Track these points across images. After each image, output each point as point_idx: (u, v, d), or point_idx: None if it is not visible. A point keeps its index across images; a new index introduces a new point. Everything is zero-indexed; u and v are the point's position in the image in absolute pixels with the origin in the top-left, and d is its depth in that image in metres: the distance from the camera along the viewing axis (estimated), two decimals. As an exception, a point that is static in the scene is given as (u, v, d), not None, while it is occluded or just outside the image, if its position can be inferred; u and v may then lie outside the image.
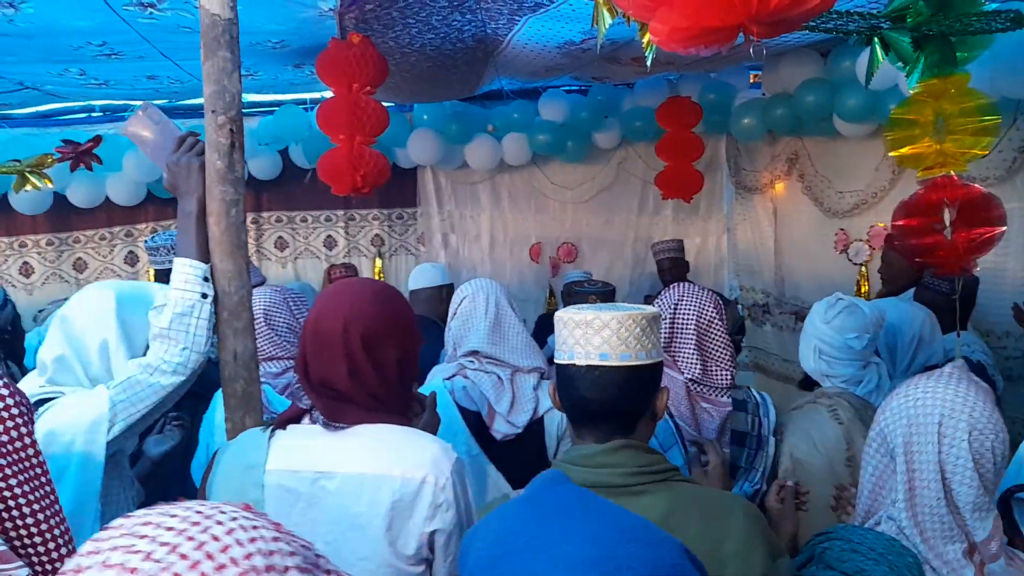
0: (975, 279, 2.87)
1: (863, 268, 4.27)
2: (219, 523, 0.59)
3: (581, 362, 1.21)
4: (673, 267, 4.28)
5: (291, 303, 2.34)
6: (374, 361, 1.34)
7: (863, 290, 4.21)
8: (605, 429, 1.22)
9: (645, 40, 1.33)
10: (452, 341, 2.25)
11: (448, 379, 2.16)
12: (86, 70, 3.37)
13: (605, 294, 3.23)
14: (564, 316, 1.26)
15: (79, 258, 4.86)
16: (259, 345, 2.12)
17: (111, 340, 1.67)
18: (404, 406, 1.44)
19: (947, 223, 2.33)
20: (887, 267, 3.45)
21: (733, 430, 1.93)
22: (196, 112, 4.34)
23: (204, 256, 1.67)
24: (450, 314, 2.26)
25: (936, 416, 1.26)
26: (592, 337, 1.20)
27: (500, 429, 2.10)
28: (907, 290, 3.26)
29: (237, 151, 1.68)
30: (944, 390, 1.29)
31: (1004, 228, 2.26)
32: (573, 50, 3.48)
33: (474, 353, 2.19)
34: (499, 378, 2.15)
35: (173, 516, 0.59)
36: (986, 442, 1.24)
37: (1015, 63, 2.57)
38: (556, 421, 2.17)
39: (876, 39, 1.66)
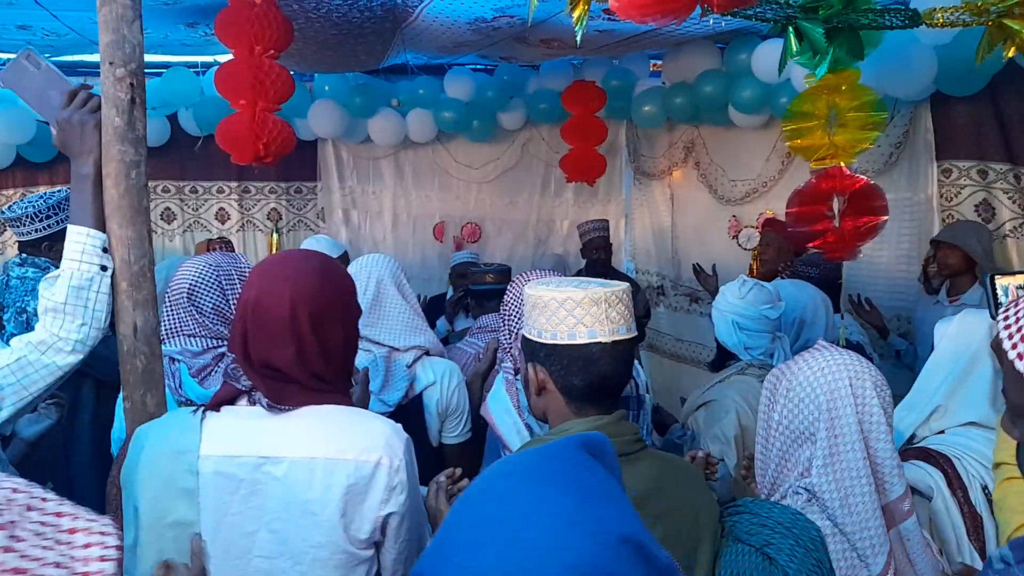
0: (839, 265, 3.10)
1: (754, 253, 4.50)
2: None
3: (606, 339, 1.21)
4: (605, 246, 4.36)
5: (223, 281, 2.08)
6: (322, 341, 1.27)
7: (753, 274, 4.44)
8: (612, 403, 1.27)
9: (576, 14, 1.33)
10: None
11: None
12: (-56, 14, 3.03)
13: (502, 273, 3.24)
14: (570, 295, 1.23)
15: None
16: (180, 318, 1.96)
17: None
18: (346, 384, 1.38)
19: (836, 211, 2.50)
20: (765, 247, 3.68)
21: None
22: (75, 70, 4.01)
23: (101, 224, 1.54)
24: None
25: (845, 379, 1.32)
26: (612, 313, 1.22)
27: (372, 408, 2.06)
28: (779, 271, 3.51)
29: (138, 108, 1.56)
30: (839, 357, 1.36)
31: (887, 217, 2.45)
32: (483, 27, 3.45)
33: None
34: (375, 356, 2.12)
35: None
36: (886, 396, 1.34)
37: (896, 62, 2.78)
38: (435, 399, 2.17)
39: (791, 29, 1.74)
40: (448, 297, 4.33)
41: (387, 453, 1.24)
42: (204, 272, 1.97)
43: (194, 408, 1.32)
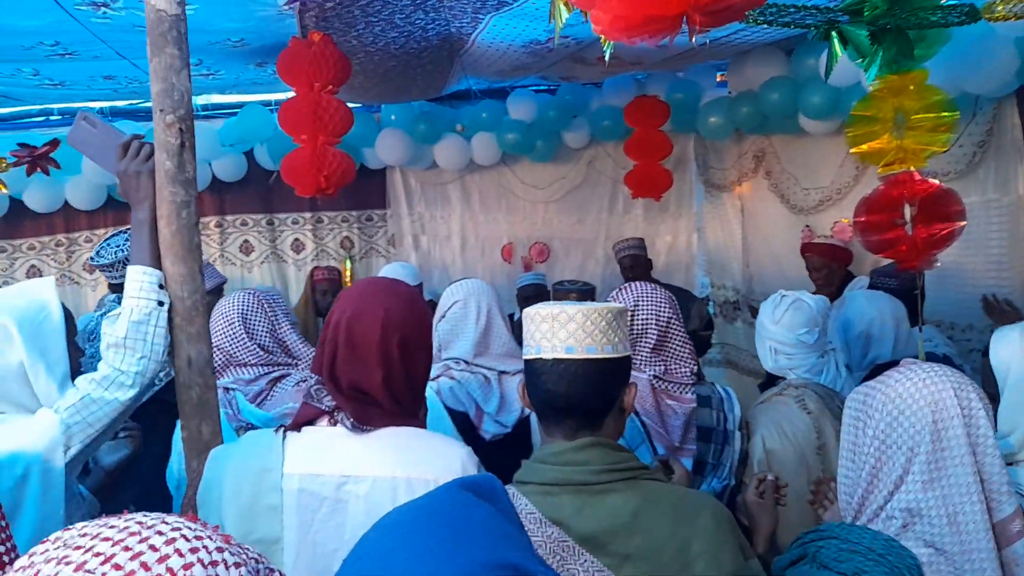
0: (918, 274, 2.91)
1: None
2: (159, 533, 0.57)
3: (548, 356, 1.21)
4: (634, 264, 4.27)
5: (266, 305, 2.23)
6: (407, 367, 1.32)
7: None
8: (572, 425, 1.22)
9: (558, 28, 1.32)
10: (437, 343, 2.21)
11: (433, 379, 2.13)
12: (40, 70, 3.28)
13: (585, 292, 3.21)
14: (531, 312, 1.26)
15: (33, 265, 4.74)
16: (232, 350, 2.05)
17: (25, 363, 1.52)
18: (420, 407, 1.42)
19: (907, 219, 2.35)
20: (813, 272, 3.53)
21: (699, 426, 1.92)
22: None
23: (158, 263, 1.63)
24: (439, 315, 2.22)
25: (950, 389, 1.25)
26: (558, 331, 1.20)
27: (489, 429, 2.09)
28: (843, 286, 3.33)
29: (187, 151, 1.64)
30: (938, 368, 1.29)
31: (963, 223, 2.29)
32: (539, 49, 3.47)
33: (458, 359, 2.17)
34: (486, 379, 2.14)
35: (111, 527, 0.57)
36: (991, 412, 1.26)
37: (972, 58, 2.61)
38: None
39: (834, 33, 1.67)
40: (516, 318, 4.33)
41: (462, 475, 1.26)
42: (248, 300, 2.08)
43: (275, 428, 1.37)
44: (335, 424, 1.32)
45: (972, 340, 3.45)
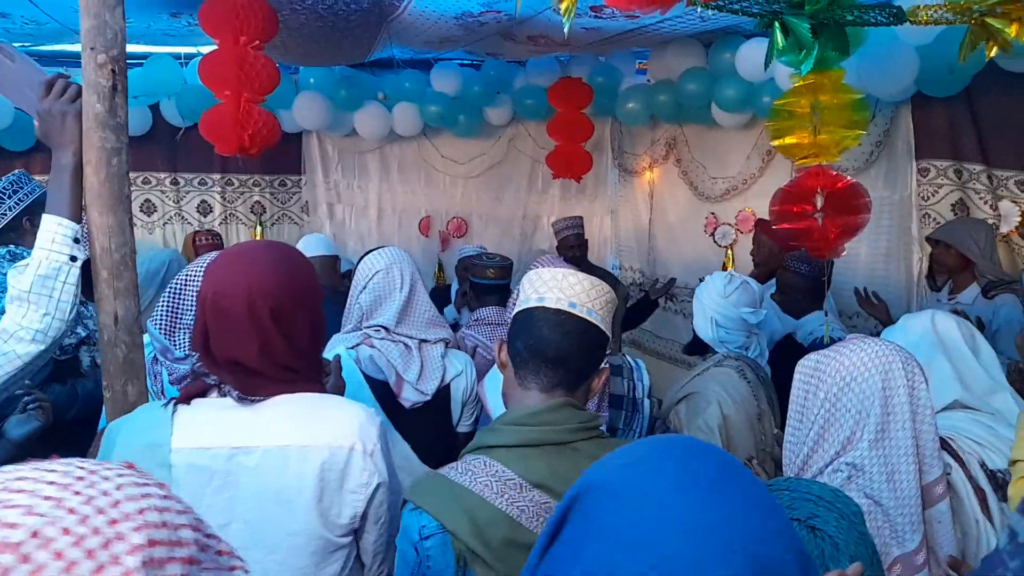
0: (829, 262, 3.12)
1: (728, 250, 4.54)
2: (105, 478, 0.54)
3: (551, 305, 1.25)
4: (579, 243, 4.36)
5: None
6: (285, 334, 1.26)
7: (727, 270, 4.46)
8: (552, 378, 1.24)
9: (564, 7, 1.34)
10: (358, 314, 2.18)
11: (352, 347, 2.10)
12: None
13: (504, 268, 3.25)
14: (538, 271, 1.31)
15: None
16: (181, 310, 1.88)
17: None
18: (317, 371, 1.38)
19: (819, 210, 2.52)
20: (758, 249, 3.69)
21: (611, 394, 2.00)
22: (56, 60, 3.96)
23: (76, 215, 1.53)
24: (359, 285, 2.18)
25: (898, 361, 1.38)
26: (564, 287, 1.26)
27: (409, 397, 2.09)
28: (775, 270, 3.52)
29: (120, 94, 1.55)
30: (888, 345, 1.41)
31: (868, 215, 2.47)
32: (471, 22, 3.44)
33: (379, 327, 2.15)
34: (407, 347, 2.13)
35: (51, 471, 0.54)
36: (929, 384, 1.39)
37: (877, 62, 2.81)
38: (461, 388, 2.18)
39: (777, 24, 1.76)
40: (455, 290, 4.32)
41: (361, 438, 1.25)
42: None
43: (164, 402, 1.31)
44: (224, 396, 1.28)
45: (859, 327, 3.74)
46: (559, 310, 1.24)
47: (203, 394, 1.30)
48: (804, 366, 1.47)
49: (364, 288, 2.17)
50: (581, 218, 4.54)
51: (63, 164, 1.54)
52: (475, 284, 3.09)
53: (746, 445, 1.94)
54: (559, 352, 1.23)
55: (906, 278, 3.51)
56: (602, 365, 1.30)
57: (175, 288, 1.89)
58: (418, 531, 1.13)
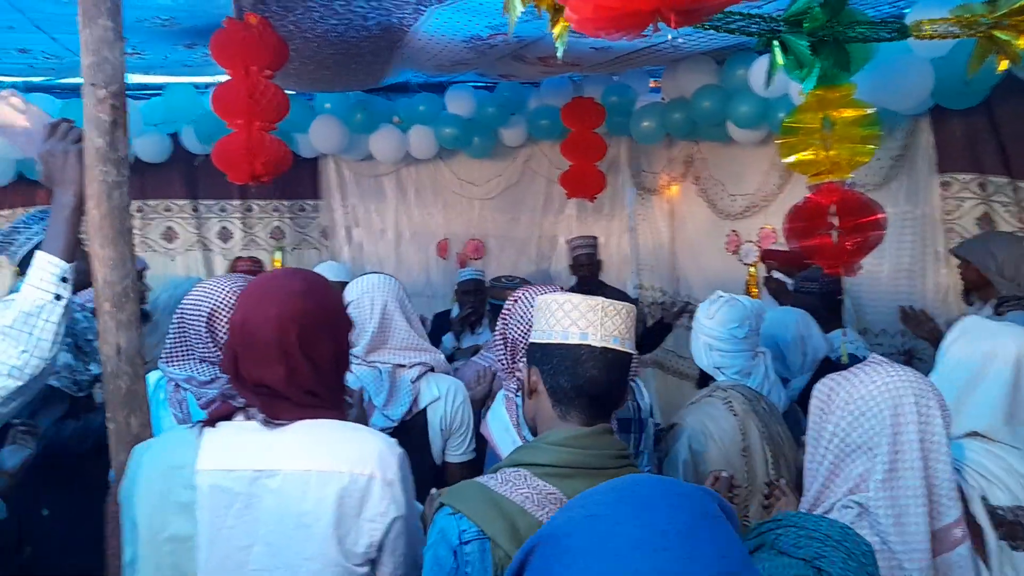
0: (838, 279, 3.03)
1: (752, 268, 4.47)
2: None
3: (596, 343, 1.24)
4: (590, 263, 4.33)
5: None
6: (311, 360, 1.30)
7: (752, 291, 4.39)
8: (595, 412, 1.26)
9: (556, 31, 1.33)
10: None
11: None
12: (-54, 38, 3.07)
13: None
14: (573, 299, 1.28)
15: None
16: (191, 341, 1.84)
17: None
18: (340, 400, 1.41)
19: (834, 226, 2.47)
20: (769, 281, 3.63)
21: (618, 419, 1.96)
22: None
23: (69, 255, 1.53)
24: None
25: (911, 395, 1.30)
26: (606, 322, 1.25)
27: (376, 423, 2.06)
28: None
29: (120, 129, 1.56)
30: (903, 372, 1.34)
31: (883, 231, 2.42)
32: (480, 45, 3.46)
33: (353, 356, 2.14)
34: (379, 372, 2.12)
35: None
36: (948, 418, 1.31)
37: (892, 76, 2.76)
38: (439, 414, 2.15)
39: (776, 43, 1.73)
40: (454, 315, 4.31)
41: (380, 467, 1.26)
42: (226, 297, 1.81)
43: (191, 424, 1.35)
44: (250, 420, 1.32)
45: (885, 344, 3.65)
46: (605, 348, 1.25)
47: (229, 417, 1.34)
48: (819, 391, 1.43)
49: None
50: (595, 238, 4.51)
51: (63, 203, 1.55)
52: (495, 307, 3.08)
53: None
54: (605, 389, 1.26)
55: (932, 295, 3.43)
56: None
57: (176, 322, 1.89)
58: (458, 535, 1.14)
